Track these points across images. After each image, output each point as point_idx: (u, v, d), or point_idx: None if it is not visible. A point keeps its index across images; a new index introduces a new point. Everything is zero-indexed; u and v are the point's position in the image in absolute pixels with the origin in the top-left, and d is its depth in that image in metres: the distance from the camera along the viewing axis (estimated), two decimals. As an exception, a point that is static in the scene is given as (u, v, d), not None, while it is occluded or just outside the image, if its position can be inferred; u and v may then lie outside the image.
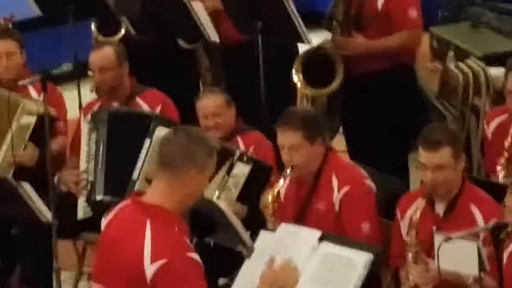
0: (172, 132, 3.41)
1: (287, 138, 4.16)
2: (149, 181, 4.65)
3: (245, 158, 4.77)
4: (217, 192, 4.69)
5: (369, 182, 4.27)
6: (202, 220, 4.25)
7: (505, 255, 3.64)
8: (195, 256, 3.19)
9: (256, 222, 4.63)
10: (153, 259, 3.04)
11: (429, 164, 3.90)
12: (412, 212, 3.98)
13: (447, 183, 3.98)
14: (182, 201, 3.24)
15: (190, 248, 3.26)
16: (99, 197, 5.05)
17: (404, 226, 4.01)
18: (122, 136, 5.17)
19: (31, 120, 5.13)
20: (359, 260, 3.97)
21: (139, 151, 5.03)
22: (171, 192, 3.18)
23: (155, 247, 3.08)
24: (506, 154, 4.39)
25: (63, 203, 4.92)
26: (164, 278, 3.09)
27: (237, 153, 4.78)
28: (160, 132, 4.88)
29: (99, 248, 3.55)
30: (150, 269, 3.05)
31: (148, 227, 3.11)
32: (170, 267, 3.08)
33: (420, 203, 3.93)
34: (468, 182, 4.12)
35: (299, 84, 5.60)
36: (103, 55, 5.30)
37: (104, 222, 3.44)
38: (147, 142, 4.98)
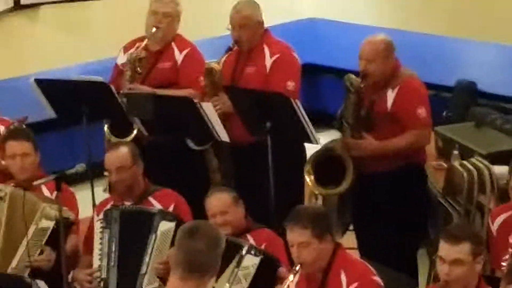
0: (194, 236, 3.32)
1: (296, 235, 4.13)
2: (162, 279, 4.85)
3: (254, 251, 4.73)
4: (227, 285, 4.62)
5: (377, 279, 4.20)
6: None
7: None
8: None
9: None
10: None
11: (448, 257, 3.86)
12: None
13: (462, 280, 3.91)
14: None
15: None
16: None
17: None
18: (132, 233, 5.14)
19: (49, 224, 5.08)
20: None
21: (146, 246, 5.03)
22: None
23: None
24: (511, 250, 4.36)
25: None
26: None
27: (246, 247, 4.76)
28: (163, 226, 5.01)
29: None
30: None
31: None
32: None
33: None
34: (484, 284, 4.04)
35: (310, 185, 5.65)
36: (119, 155, 5.24)
37: None
38: (152, 237, 4.99)
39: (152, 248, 5.04)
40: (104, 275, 5.00)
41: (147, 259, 5.00)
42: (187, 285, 3.15)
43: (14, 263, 5.04)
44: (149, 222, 5.09)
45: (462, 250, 3.85)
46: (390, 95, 5.55)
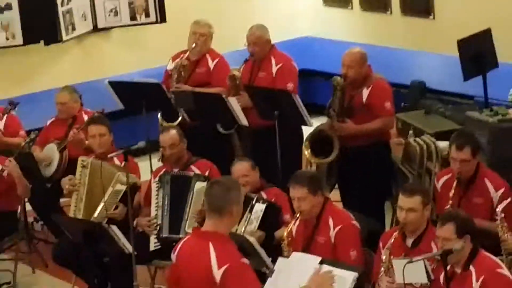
0: (212, 185, 3.46)
1: (296, 191, 4.19)
2: (199, 222, 4.85)
3: (261, 200, 4.82)
4: (243, 227, 4.72)
5: (355, 222, 4.29)
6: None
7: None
8: (247, 261, 3.28)
9: (271, 246, 4.69)
10: (219, 266, 3.13)
11: (404, 206, 3.97)
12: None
13: (415, 223, 4.02)
14: (230, 228, 3.37)
15: (243, 256, 3.32)
16: (165, 235, 5.10)
17: (384, 253, 4.02)
18: (178, 191, 5.20)
19: (122, 188, 5.15)
20: (348, 277, 3.97)
21: (187, 200, 5.12)
22: (222, 224, 3.26)
23: (219, 257, 3.17)
24: (450, 202, 4.40)
25: (139, 240, 4.98)
26: (229, 278, 3.17)
27: (256, 197, 4.84)
28: (198, 186, 5.10)
29: (174, 269, 3.60)
30: (218, 274, 3.14)
31: (211, 246, 3.20)
32: (232, 269, 3.15)
33: (395, 234, 3.97)
34: (431, 225, 4.10)
35: (307, 156, 5.69)
36: (170, 135, 5.24)
37: (175, 252, 3.48)
38: (190, 193, 5.07)
39: (191, 201, 5.10)
40: (159, 222, 5.10)
41: (187, 209, 5.08)
42: (211, 223, 3.23)
43: (95, 215, 5.15)
44: (189, 183, 5.15)
45: (415, 201, 3.99)
46: (365, 92, 5.54)
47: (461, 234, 3.58)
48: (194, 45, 6.17)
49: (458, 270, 3.71)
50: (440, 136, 5.86)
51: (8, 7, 7.50)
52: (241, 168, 4.87)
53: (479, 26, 7.03)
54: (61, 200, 5.87)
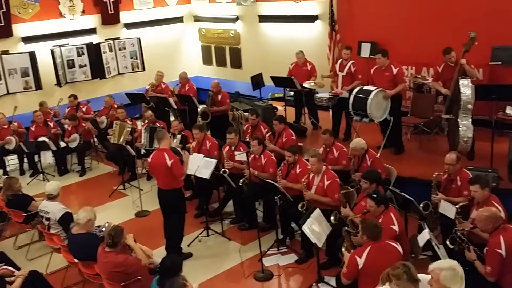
0: (158, 130, 4.57)
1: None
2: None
3: (180, 134, 6.97)
4: (173, 143, 6.32)
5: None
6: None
7: None
8: (179, 159, 4.49)
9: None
10: (169, 160, 4.62)
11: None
12: None
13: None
14: (168, 146, 4.68)
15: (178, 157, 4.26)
16: (147, 148, 7.47)
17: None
18: (151, 132, 7.47)
19: (129, 129, 7.43)
20: (212, 160, 5.77)
21: (156, 135, 5.78)
22: (165, 144, 4.60)
23: (168, 157, 4.62)
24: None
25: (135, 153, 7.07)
26: (172, 165, 4.58)
27: (178, 133, 6.88)
28: (157, 130, 6.16)
29: (151, 163, 5.14)
30: (169, 163, 4.67)
31: (165, 153, 4.60)
32: (174, 162, 4.56)
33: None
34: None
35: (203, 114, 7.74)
36: (149, 112, 7.98)
37: (151, 155, 4.79)
38: (157, 133, 5.74)
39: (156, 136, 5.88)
40: (145, 143, 7.53)
41: (155, 140, 6.01)
42: (162, 145, 4.54)
43: (120, 141, 7.62)
44: (154, 129, 7.28)
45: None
46: (219, 96, 8.30)
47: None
48: (156, 79, 9.71)
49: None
50: (244, 111, 8.95)
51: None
52: (176, 123, 7.19)
53: (259, 71, 10.02)
54: (108, 136, 8.34)
